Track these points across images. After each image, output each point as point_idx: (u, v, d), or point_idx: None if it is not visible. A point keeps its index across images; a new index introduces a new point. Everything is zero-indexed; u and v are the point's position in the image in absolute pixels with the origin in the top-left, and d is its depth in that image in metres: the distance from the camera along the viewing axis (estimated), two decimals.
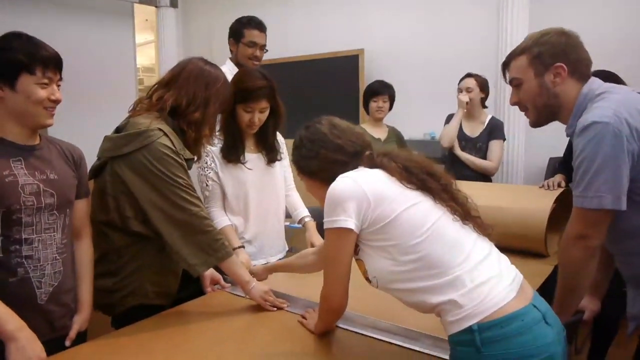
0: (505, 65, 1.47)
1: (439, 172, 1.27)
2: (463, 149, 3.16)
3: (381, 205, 1.16)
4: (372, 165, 1.26)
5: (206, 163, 2.00)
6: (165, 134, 1.51)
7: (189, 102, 1.57)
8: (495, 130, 3.14)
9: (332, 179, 1.23)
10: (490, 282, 1.11)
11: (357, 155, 1.29)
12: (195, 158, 1.77)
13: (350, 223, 1.17)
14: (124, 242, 1.57)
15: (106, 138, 1.58)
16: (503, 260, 1.20)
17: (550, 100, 1.38)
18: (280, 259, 2.17)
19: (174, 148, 1.51)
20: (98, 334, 1.45)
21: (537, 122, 1.45)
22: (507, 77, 1.47)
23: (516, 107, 1.50)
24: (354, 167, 1.27)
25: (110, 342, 1.39)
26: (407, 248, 1.14)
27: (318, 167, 1.30)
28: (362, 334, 1.42)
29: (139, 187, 1.50)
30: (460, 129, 3.20)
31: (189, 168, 1.63)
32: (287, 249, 2.24)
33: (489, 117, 3.22)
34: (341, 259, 1.21)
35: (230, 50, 2.64)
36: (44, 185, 1.37)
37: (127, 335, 1.42)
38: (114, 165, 1.53)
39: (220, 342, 1.39)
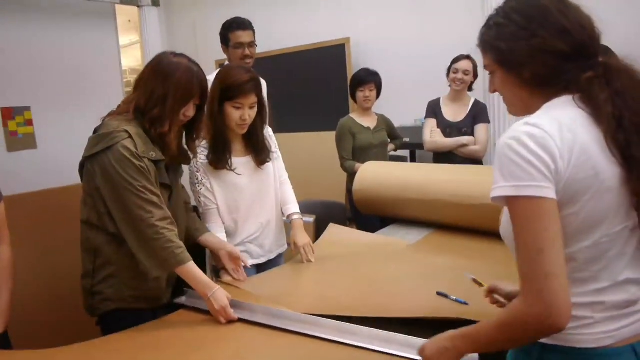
0: None
1: None
2: (448, 136, 3.10)
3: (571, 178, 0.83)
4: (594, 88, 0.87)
5: (197, 179, 1.94)
6: (130, 137, 1.51)
7: (147, 100, 1.56)
8: (480, 114, 3.11)
9: (544, 82, 0.90)
10: (586, 320, 0.89)
11: (583, 50, 0.89)
12: (192, 156, 1.80)
13: (547, 191, 0.81)
14: (100, 240, 1.58)
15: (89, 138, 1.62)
16: None
17: None
18: (280, 254, 2.15)
19: (134, 150, 1.50)
20: (86, 337, 1.44)
21: None
22: None
23: None
24: (580, 69, 0.89)
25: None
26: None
27: (528, 56, 0.90)
28: (340, 343, 1.32)
29: (104, 186, 1.53)
30: (442, 115, 3.17)
31: (172, 169, 1.67)
32: (287, 243, 2.18)
33: (472, 100, 3.20)
34: (543, 242, 0.80)
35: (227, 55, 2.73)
36: None
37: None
38: (87, 164, 1.57)
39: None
